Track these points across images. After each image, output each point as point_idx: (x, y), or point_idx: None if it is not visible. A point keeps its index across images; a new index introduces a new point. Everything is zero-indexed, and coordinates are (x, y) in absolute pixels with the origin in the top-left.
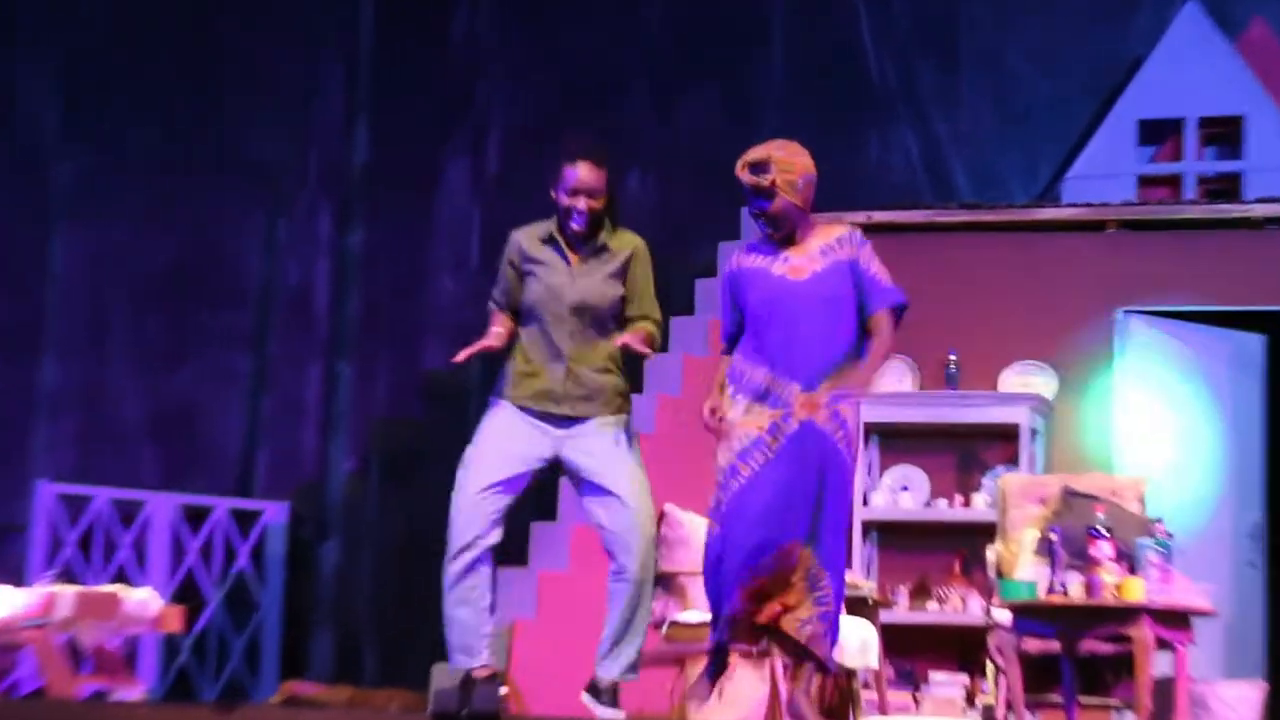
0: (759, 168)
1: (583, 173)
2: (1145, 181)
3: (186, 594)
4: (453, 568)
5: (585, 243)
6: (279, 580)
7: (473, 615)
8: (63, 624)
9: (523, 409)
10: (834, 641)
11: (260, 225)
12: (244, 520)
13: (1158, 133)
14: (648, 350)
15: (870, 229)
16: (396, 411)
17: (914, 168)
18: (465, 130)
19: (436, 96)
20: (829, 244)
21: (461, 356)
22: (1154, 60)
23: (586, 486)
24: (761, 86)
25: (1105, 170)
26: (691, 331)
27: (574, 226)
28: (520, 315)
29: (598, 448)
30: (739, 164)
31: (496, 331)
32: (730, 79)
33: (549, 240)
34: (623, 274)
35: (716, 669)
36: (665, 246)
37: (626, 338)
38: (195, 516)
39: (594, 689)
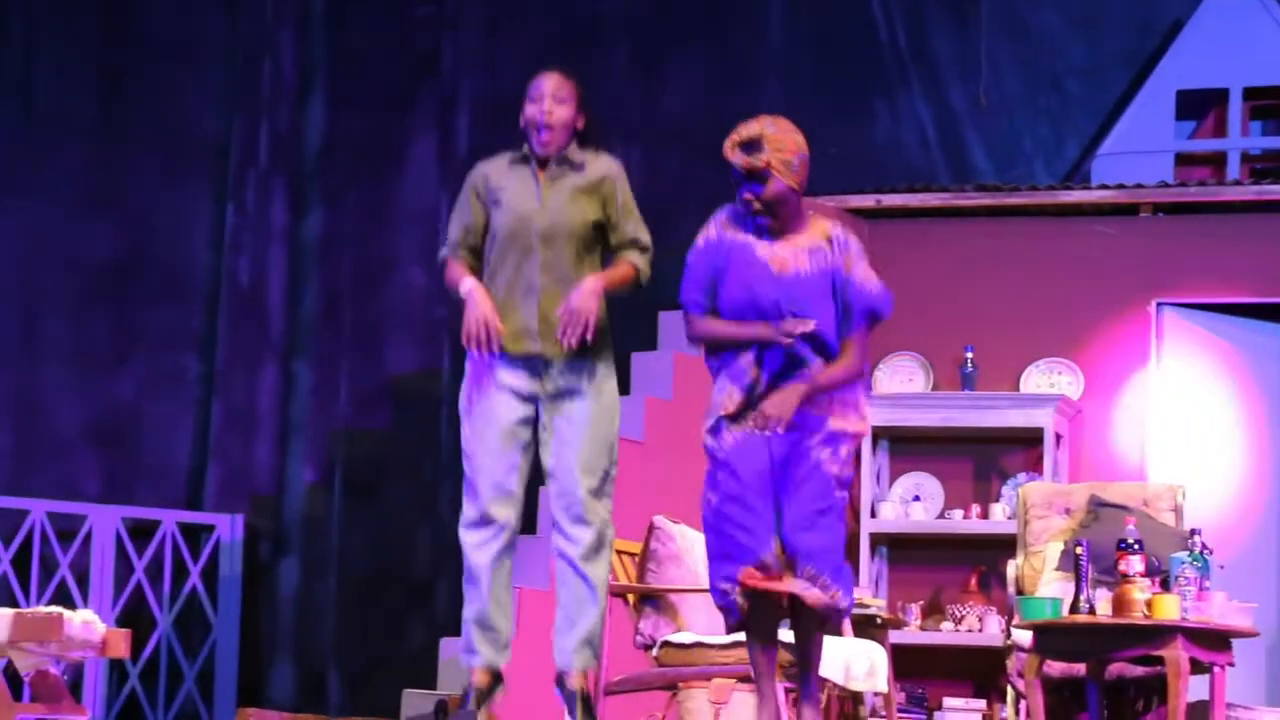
0: (751, 146)
1: (549, 82)
2: (1184, 160)
3: (133, 616)
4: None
5: (554, 161)
6: (234, 601)
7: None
8: None
9: (504, 358)
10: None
11: (204, 209)
12: (194, 536)
13: (1198, 105)
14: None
15: (879, 213)
16: (360, 419)
17: (928, 144)
18: (432, 100)
19: (399, 61)
20: (818, 244)
21: (489, 346)
22: (1195, 24)
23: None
24: (756, 52)
25: (1140, 147)
26: (682, 327)
27: (541, 138)
28: (489, 252)
29: (576, 415)
30: (727, 144)
31: (471, 290)
32: (722, 44)
33: (516, 164)
34: (598, 195)
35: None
36: (650, 233)
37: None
38: (141, 532)
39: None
